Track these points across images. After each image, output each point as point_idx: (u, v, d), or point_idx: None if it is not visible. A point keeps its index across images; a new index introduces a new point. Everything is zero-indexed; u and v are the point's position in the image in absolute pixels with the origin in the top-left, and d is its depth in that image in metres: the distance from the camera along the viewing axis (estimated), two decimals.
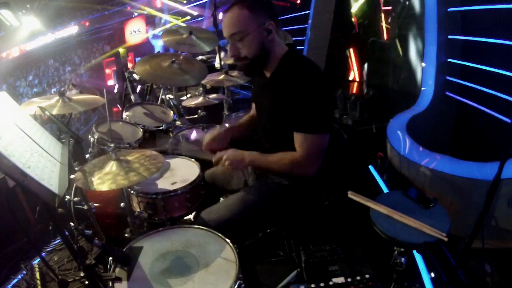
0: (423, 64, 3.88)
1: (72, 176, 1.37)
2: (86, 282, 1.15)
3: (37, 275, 1.96)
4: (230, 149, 1.59)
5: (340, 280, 1.38)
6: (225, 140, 1.83)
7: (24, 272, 1.98)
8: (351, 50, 5.69)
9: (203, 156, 1.77)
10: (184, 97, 3.61)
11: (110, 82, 10.27)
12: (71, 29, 9.36)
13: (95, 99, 2.08)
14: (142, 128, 2.32)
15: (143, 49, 11.26)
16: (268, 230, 1.89)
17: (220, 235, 1.39)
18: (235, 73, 2.99)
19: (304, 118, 1.44)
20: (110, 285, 1.18)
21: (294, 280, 1.73)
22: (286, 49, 1.55)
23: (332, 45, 5.65)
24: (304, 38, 6.10)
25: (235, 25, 1.44)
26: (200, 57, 4.94)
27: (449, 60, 3.74)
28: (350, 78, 5.79)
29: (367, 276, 1.38)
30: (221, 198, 1.94)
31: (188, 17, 11.00)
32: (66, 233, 1.22)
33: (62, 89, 2.00)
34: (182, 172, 1.89)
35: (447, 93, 3.74)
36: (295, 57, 1.53)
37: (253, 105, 1.87)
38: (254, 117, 1.86)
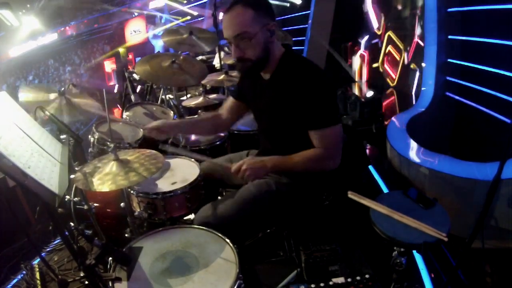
0: (423, 64, 3.89)
1: (72, 176, 1.37)
2: (86, 282, 1.15)
3: (37, 275, 1.96)
4: (248, 158, 1.53)
5: (340, 280, 1.38)
6: (170, 131, 1.78)
7: (24, 272, 1.98)
8: None
9: (206, 160, 1.77)
10: (184, 97, 3.61)
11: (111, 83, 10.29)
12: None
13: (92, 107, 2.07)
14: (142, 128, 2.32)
15: (143, 49, 11.26)
16: (268, 230, 1.89)
17: (220, 235, 1.39)
18: (235, 73, 2.99)
19: (317, 115, 1.44)
20: (110, 285, 1.18)
21: (294, 280, 1.74)
22: (283, 49, 1.54)
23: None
24: (304, 38, 6.11)
25: (241, 25, 1.40)
26: (200, 57, 4.94)
27: (449, 60, 3.74)
28: None
29: (367, 276, 1.38)
30: (219, 198, 1.94)
31: (189, 17, 10.99)
32: (66, 233, 1.22)
33: (62, 89, 2.00)
34: (182, 172, 1.88)
35: (447, 93, 3.74)
36: (294, 57, 1.53)
37: (225, 104, 1.88)
38: (217, 117, 1.88)
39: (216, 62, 4.30)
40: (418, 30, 4.15)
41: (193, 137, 2.49)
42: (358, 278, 1.38)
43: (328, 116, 1.46)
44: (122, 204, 1.76)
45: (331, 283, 1.37)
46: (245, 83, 1.75)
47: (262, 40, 1.44)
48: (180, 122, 1.86)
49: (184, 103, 2.99)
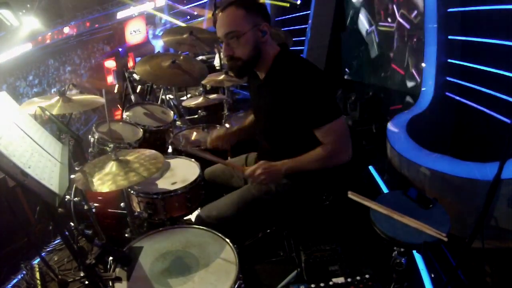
0: (423, 65, 3.89)
1: (72, 176, 1.37)
2: (86, 282, 1.15)
3: (37, 275, 1.96)
4: (261, 162, 1.52)
5: (340, 280, 1.38)
6: (232, 140, 1.85)
7: (24, 272, 1.98)
8: None
9: (218, 161, 1.77)
10: (184, 97, 3.61)
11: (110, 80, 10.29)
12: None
13: (95, 99, 2.08)
14: (142, 128, 2.32)
15: (143, 49, 11.28)
16: (268, 230, 1.89)
17: (220, 235, 1.39)
18: None
19: (317, 113, 1.44)
20: (110, 285, 1.18)
21: (294, 280, 1.74)
22: (278, 49, 1.55)
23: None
24: (304, 38, 6.11)
25: (231, 24, 1.45)
26: (200, 57, 4.94)
27: (449, 60, 3.74)
28: None
29: (367, 276, 1.38)
30: (220, 198, 1.93)
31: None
32: (66, 233, 1.22)
33: (62, 89, 2.00)
34: (182, 172, 1.89)
35: (447, 93, 3.74)
36: (288, 56, 1.54)
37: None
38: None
39: (217, 63, 4.30)
40: None
41: (193, 137, 2.49)
42: (358, 278, 1.38)
43: (327, 112, 1.45)
44: (122, 204, 1.76)
45: (331, 283, 1.37)
46: (249, 85, 1.77)
47: (252, 40, 1.46)
48: (238, 131, 1.90)
49: (184, 103, 2.99)
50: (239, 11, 1.44)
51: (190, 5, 11.03)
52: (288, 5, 6.88)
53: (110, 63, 10.64)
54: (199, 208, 1.83)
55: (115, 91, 4.18)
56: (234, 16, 1.44)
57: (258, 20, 1.46)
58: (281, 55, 1.53)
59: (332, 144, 1.47)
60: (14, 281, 2.01)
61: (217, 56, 4.09)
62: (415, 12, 4.01)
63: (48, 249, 2.23)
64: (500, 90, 2.97)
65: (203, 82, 2.82)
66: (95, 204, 1.91)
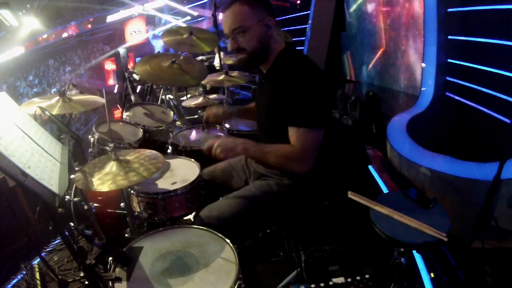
0: (423, 64, 3.89)
1: (72, 177, 1.36)
2: (86, 282, 1.15)
3: (37, 275, 1.96)
4: (222, 136, 1.61)
5: (340, 280, 1.38)
6: (230, 115, 1.98)
7: (24, 272, 1.98)
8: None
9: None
10: (184, 98, 3.61)
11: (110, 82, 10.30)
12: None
13: (95, 99, 2.08)
14: (142, 128, 2.32)
15: (143, 49, 11.28)
16: (268, 230, 1.89)
17: (220, 235, 1.39)
18: (235, 73, 2.99)
19: (298, 112, 1.44)
20: (110, 285, 1.18)
21: (294, 280, 1.74)
22: (284, 46, 1.56)
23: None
24: (304, 38, 6.11)
25: (237, 20, 1.47)
26: (200, 57, 4.95)
27: (449, 60, 3.74)
28: None
29: (367, 276, 1.38)
30: (221, 198, 1.94)
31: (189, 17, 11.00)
32: (66, 233, 1.22)
33: (63, 89, 2.00)
34: (182, 172, 1.89)
35: (447, 93, 3.74)
36: (292, 54, 1.54)
37: None
38: None
39: (216, 63, 4.30)
40: None
41: (192, 137, 2.49)
42: (358, 278, 1.38)
43: (309, 117, 1.44)
44: (122, 204, 1.76)
45: (331, 283, 1.37)
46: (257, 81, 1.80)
47: (257, 33, 1.48)
48: (235, 110, 2.02)
49: (184, 103, 2.99)
50: (243, 7, 1.46)
51: (190, 5, 11.03)
52: (288, 5, 6.85)
53: (110, 65, 10.65)
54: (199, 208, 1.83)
55: (115, 91, 4.19)
56: (238, 12, 1.47)
57: (263, 15, 1.48)
58: (284, 52, 1.54)
59: (296, 148, 1.46)
60: (14, 281, 2.01)
61: (217, 56, 4.09)
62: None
63: (48, 249, 2.23)
64: (500, 90, 2.97)
65: (203, 82, 2.83)
66: (95, 204, 1.90)
